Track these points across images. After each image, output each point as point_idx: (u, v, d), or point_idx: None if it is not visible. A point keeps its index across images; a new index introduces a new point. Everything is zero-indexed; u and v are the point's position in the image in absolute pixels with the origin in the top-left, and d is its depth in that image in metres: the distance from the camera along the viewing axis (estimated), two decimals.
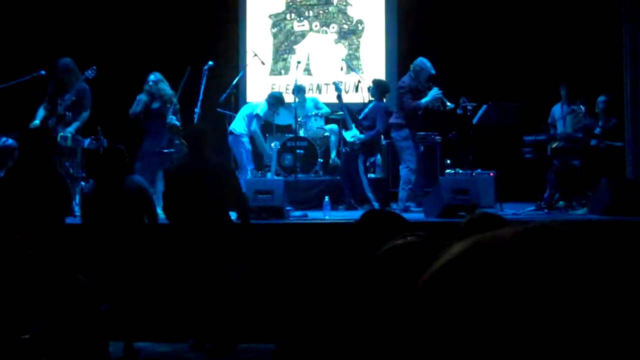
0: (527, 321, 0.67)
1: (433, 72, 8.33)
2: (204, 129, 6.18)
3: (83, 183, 7.64)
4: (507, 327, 0.68)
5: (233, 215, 6.14)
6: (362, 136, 8.75)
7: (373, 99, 8.96)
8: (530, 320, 0.67)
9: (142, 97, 8.17)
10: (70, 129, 7.83)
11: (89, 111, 8.01)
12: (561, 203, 8.31)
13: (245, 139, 9.21)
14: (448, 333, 0.70)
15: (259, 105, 9.31)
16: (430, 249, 1.32)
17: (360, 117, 8.88)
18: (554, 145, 8.35)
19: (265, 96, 9.61)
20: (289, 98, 9.80)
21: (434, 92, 8.24)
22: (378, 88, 8.94)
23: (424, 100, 8.27)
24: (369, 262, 1.33)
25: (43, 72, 8.06)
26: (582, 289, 0.68)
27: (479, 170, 8.94)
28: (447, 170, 8.97)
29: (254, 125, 9.20)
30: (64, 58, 8.02)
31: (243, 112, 9.31)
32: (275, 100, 9.44)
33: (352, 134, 8.83)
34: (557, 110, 8.84)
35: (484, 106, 8.18)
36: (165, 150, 7.96)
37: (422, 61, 8.39)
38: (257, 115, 9.19)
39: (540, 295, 0.68)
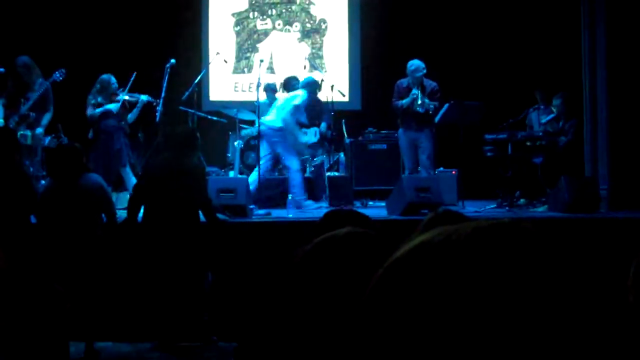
0: (483, 314, 0.68)
1: (416, 74, 8.37)
2: (193, 131, 6.16)
3: (43, 182, 7.54)
4: (464, 318, 0.68)
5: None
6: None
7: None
8: (486, 313, 0.67)
9: (100, 100, 8.09)
10: (39, 130, 7.72)
11: (51, 111, 7.90)
12: (522, 201, 8.42)
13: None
14: (407, 324, 0.70)
15: (297, 96, 8.75)
16: (374, 241, 1.32)
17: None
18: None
19: (300, 85, 8.94)
20: (254, 96, 9.76)
21: (412, 93, 8.33)
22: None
23: (402, 101, 8.37)
24: (305, 249, 1.33)
25: (2, 69, 7.92)
26: (535, 283, 0.69)
27: (442, 169, 9.02)
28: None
29: (292, 117, 8.64)
30: (22, 56, 7.90)
31: (284, 105, 8.70)
32: (315, 86, 9.00)
33: (313, 131, 8.87)
34: (534, 115, 8.97)
35: (446, 105, 8.25)
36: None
37: (409, 62, 8.47)
38: (296, 106, 8.68)
39: (494, 290, 0.68)
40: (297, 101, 8.45)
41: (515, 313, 0.68)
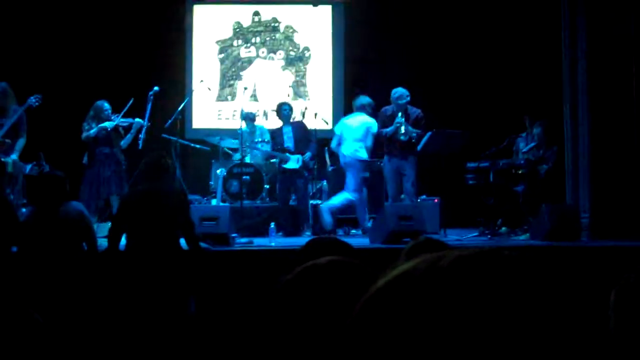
0: (465, 343, 0.68)
1: (400, 101, 8.43)
2: (164, 155, 6.13)
3: (24, 210, 7.48)
4: (446, 347, 0.68)
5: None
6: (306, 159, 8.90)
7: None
8: (468, 342, 0.68)
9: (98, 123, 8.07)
10: (14, 155, 7.67)
11: (25, 137, 7.82)
12: (504, 229, 8.45)
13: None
14: (389, 355, 0.70)
15: (371, 124, 8.71)
16: (356, 270, 1.32)
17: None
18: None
19: (361, 111, 8.88)
20: (237, 124, 9.78)
21: (395, 121, 8.38)
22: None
23: (386, 129, 8.42)
24: (287, 278, 1.33)
25: None
26: (519, 311, 0.69)
27: (424, 197, 9.05)
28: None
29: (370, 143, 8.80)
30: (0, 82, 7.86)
31: (364, 135, 8.72)
32: (373, 110, 8.94)
33: (296, 158, 8.87)
34: (521, 141, 9.00)
35: (428, 133, 8.29)
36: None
37: (393, 90, 8.53)
38: (372, 134, 8.71)
39: (478, 318, 0.68)
40: (373, 129, 8.60)
41: (498, 341, 0.68)
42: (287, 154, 8.87)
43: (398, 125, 8.36)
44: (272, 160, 9.51)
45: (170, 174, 6.05)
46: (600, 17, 7.87)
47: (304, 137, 9.01)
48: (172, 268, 5.71)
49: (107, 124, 8.02)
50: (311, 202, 9.18)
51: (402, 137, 8.38)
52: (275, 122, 9.93)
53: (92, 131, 7.99)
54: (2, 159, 7.58)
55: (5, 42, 10.28)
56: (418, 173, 8.50)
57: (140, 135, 8.16)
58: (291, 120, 9.30)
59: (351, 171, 8.62)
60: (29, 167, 7.87)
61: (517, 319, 0.69)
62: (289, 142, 8.97)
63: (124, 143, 8.09)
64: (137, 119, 8.13)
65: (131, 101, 8.24)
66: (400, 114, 8.42)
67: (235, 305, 5.97)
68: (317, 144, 9.21)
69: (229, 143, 9.79)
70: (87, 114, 8.17)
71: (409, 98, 8.52)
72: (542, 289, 0.72)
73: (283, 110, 9.12)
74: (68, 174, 5.94)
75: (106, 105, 8.16)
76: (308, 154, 8.90)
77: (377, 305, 0.74)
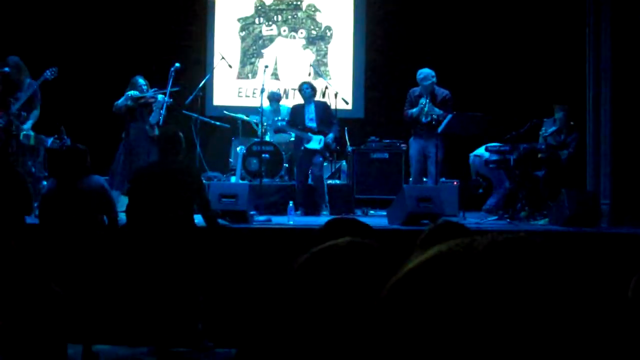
0: (499, 329, 0.69)
1: (425, 82, 8.42)
2: (176, 131, 6.13)
3: (45, 182, 7.55)
4: (477, 332, 0.69)
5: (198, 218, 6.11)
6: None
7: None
8: (501, 328, 0.69)
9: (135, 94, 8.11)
10: (27, 126, 7.74)
11: (39, 109, 7.91)
12: (523, 213, 8.41)
13: None
14: (419, 336, 0.71)
15: None
16: (374, 252, 1.32)
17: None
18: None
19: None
20: (257, 102, 9.78)
21: (420, 102, 8.36)
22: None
23: (412, 110, 8.40)
24: (304, 258, 1.33)
25: (7, 69, 7.92)
26: (553, 300, 0.70)
27: (443, 179, 9.02)
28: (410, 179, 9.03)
29: None
30: (12, 56, 7.90)
31: None
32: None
33: (318, 139, 8.84)
34: (548, 124, 8.97)
35: (449, 116, 8.24)
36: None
37: (419, 71, 8.50)
38: None
39: (512, 305, 0.69)
40: None
41: (528, 325, 0.69)
42: (309, 134, 8.84)
43: (422, 106, 8.33)
44: (291, 139, 9.50)
45: (184, 149, 6.03)
46: (626, 3, 7.77)
47: (326, 117, 8.97)
48: (180, 243, 5.72)
49: (132, 92, 8.05)
50: (330, 182, 9.18)
51: (422, 119, 8.36)
52: (295, 101, 9.91)
53: (119, 101, 8.05)
54: (25, 132, 7.65)
55: (28, 17, 10.32)
56: (445, 155, 8.47)
57: (161, 112, 8.18)
58: (315, 99, 9.27)
59: None
60: (50, 140, 7.93)
61: (544, 304, 0.70)
62: (311, 122, 8.93)
63: (152, 119, 8.10)
64: (159, 96, 8.15)
65: (172, 74, 8.24)
66: (425, 95, 8.39)
67: (252, 282, 6.01)
68: (339, 125, 9.17)
69: (254, 118, 9.79)
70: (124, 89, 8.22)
71: (434, 79, 8.47)
72: (567, 277, 0.73)
73: (304, 90, 9.08)
74: (89, 147, 5.98)
75: (141, 80, 8.19)
76: (331, 136, 8.84)
77: (411, 285, 0.74)
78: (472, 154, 8.94)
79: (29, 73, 7.92)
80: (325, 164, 9.22)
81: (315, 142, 8.80)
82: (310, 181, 8.98)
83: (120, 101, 8.06)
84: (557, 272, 0.72)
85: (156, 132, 7.93)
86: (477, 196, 9.06)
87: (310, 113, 8.97)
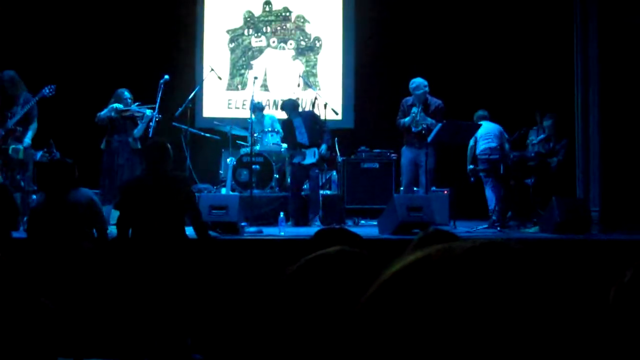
0: (476, 331, 0.69)
1: (417, 92, 8.44)
2: (163, 142, 6.12)
3: (34, 196, 7.52)
4: (455, 335, 0.69)
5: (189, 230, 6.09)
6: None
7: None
8: (479, 330, 0.69)
9: (118, 106, 8.10)
10: (27, 141, 7.74)
11: (36, 123, 7.89)
12: (513, 221, 8.44)
13: None
14: (396, 342, 0.72)
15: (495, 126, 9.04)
16: (365, 260, 1.33)
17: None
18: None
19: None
20: (247, 113, 9.79)
21: (412, 111, 8.39)
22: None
23: (404, 119, 8.42)
24: (295, 266, 1.33)
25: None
26: (528, 304, 0.71)
27: (434, 188, 9.04)
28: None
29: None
30: (7, 71, 7.89)
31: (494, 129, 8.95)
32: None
33: (312, 152, 8.83)
34: (533, 134, 9.03)
35: (439, 124, 8.27)
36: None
37: (411, 80, 8.52)
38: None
39: (489, 308, 0.70)
40: None
41: (505, 327, 0.69)
42: (303, 150, 8.82)
43: (413, 115, 8.36)
44: (281, 150, 9.51)
45: (171, 160, 6.00)
46: (613, 11, 7.83)
47: (314, 126, 8.96)
48: (173, 255, 5.71)
49: (116, 105, 8.05)
50: (320, 192, 9.17)
51: (412, 128, 8.38)
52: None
53: (101, 112, 8.04)
54: (14, 146, 7.63)
55: (17, 32, 10.31)
56: (436, 164, 8.49)
57: (150, 124, 8.18)
58: (299, 110, 9.27)
59: None
60: (39, 154, 7.91)
61: (521, 309, 0.71)
62: (301, 137, 8.91)
63: (136, 132, 8.10)
64: (147, 111, 8.15)
65: (161, 86, 8.26)
66: (418, 104, 8.42)
67: (243, 293, 5.99)
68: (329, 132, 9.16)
69: (239, 132, 9.80)
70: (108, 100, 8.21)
71: (427, 88, 8.49)
72: (545, 282, 0.73)
73: (285, 109, 9.12)
74: (80, 161, 5.97)
75: (126, 93, 8.19)
76: (323, 147, 8.81)
77: (392, 289, 0.75)
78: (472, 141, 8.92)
79: (26, 87, 7.91)
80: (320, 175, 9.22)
81: (310, 157, 8.78)
82: (307, 192, 8.98)
83: (103, 112, 8.06)
84: (535, 277, 0.73)
85: (139, 145, 7.96)
86: (467, 204, 9.07)
87: (300, 127, 8.95)
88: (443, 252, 0.76)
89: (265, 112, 10.22)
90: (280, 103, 9.31)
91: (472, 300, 0.71)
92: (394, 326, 0.73)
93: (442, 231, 2.38)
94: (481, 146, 8.77)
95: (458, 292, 0.71)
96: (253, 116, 9.46)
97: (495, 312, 0.70)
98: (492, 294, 0.71)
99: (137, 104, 8.21)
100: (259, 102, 10.01)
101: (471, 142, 8.87)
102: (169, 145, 6.03)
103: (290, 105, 9.11)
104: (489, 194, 8.73)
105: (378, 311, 0.75)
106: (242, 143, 9.73)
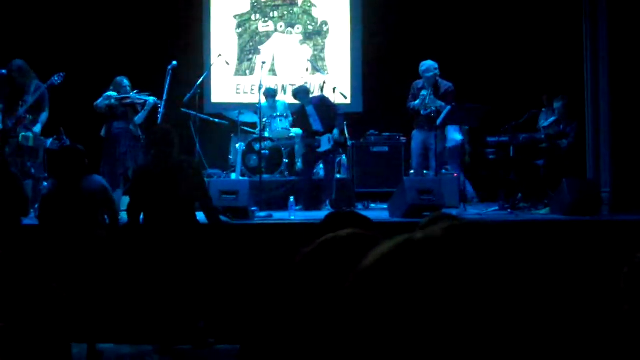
0: (458, 308, 0.71)
1: (427, 74, 8.43)
2: (169, 128, 6.13)
3: (45, 183, 7.56)
4: (430, 317, 0.71)
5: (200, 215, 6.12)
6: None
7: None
8: (460, 307, 0.71)
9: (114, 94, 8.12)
10: (37, 129, 7.78)
11: (47, 111, 7.94)
12: (524, 203, 8.42)
13: None
14: (379, 324, 0.73)
15: None
16: (375, 243, 1.33)
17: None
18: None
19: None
20: (255, 98, 9.77)
21: (421, 94, 8.37)
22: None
23: (414, 102, 8.40)
24: (307, 249, 1.34)
25: (4, 71, 7.93)
26: (505, 280, 0.74)
27: (444, 171, 9.03)
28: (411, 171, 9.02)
29: None
30: (17, 60, 7.92)
31: None
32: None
33: (327, 139, 8.80)
34: (542, 116, 9.00)
35: (448, 107, 8.24)
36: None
37: (421, 63, 8.50)
38: None
39: (469, 284, 0.72)
40: None
41: (484, 303, 0.73)
42: (317, 137, 8.80)
43: (423, 98, 8.33)
44: (290, 135, 9.50)
45: (177, 145, 6.01)
46: None
47: (327, 112, 8.93)
48: (184, 240, 5.73)
49: (113, 93, 8.06)
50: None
51: (422, 111, 8.36)
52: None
53: (98, 101, 8.05)
54: (24, 134, 7.67)
55: (25, 20, 10.32)
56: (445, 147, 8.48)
57: (159, 110, 8.18)
58: (310, 96, 9.25)
59: None
60: (49, 141, 7.94)
61: (496, 283, 0.75)
62: (315, 124, 8.88)
63: (137, 119, 8.11)
64: (150, 98, 8.15)
65: (169, 72, 8.27)
66: (427, 87, 8.39)
67: (255, 277, 6.01)
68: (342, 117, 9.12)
69: (248, 117, 9.79)
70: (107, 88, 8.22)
71: (437, 71, 8.46)
72: (519, 259, 0.78)
73: (297, 96, 9.13)
74: (88, 148, 5.98)
75: (125, 81, 8.19)
76: (336, 131, 8.78)
77: (374, 272, 0.77)
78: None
79: (36, 75, 7.94)
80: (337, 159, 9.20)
81: (325, 143, 8.76)
82: (317, 177, 8.98)
83: (100, 101, 8.06)
84: (509, 254, 0.75)
85: (139, 132, 7.98)
86: (479, 188, 9.06)
87: (313, 115, 8.93)
88: (425, 233, 0.79)
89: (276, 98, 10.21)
90: (292, 90, 9.29)
91: (452, 278, 0.74)
92: (380, 307, 0.75)
93: (447, 214, 2.38)
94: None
95: (439, 270, 0.74)
96: (264, 101, 9.45)
97: (475, 286, 0.74)
98: (471, 269, 0.74)
99: (135, 91, 8.22)
100: (271, 88, 10.00)
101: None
102: (174, 131, 6.05)
103: (302, 92, 9.12)
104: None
105: (364, 291, 0.77)
106: (250, 130, 9.71)
